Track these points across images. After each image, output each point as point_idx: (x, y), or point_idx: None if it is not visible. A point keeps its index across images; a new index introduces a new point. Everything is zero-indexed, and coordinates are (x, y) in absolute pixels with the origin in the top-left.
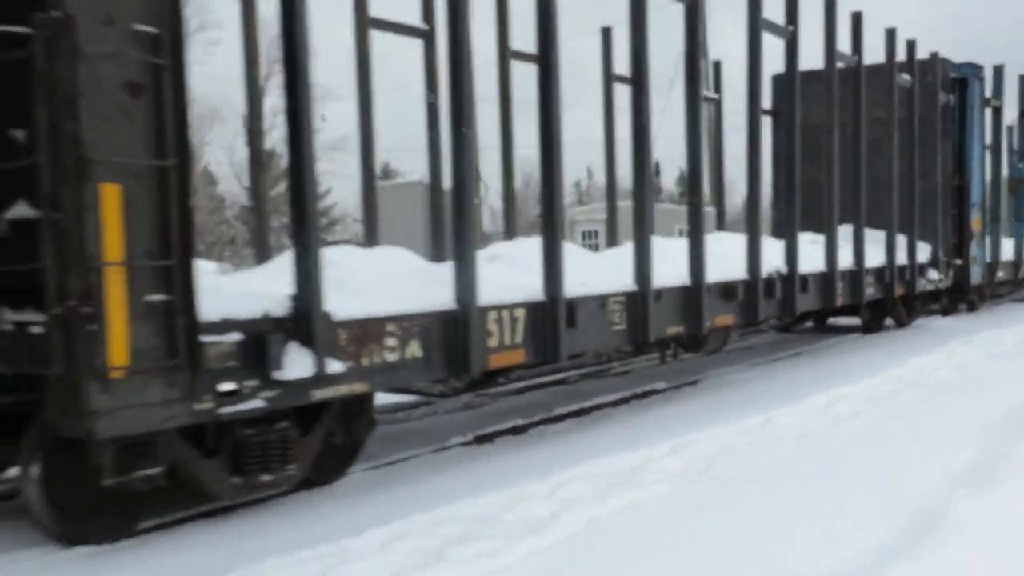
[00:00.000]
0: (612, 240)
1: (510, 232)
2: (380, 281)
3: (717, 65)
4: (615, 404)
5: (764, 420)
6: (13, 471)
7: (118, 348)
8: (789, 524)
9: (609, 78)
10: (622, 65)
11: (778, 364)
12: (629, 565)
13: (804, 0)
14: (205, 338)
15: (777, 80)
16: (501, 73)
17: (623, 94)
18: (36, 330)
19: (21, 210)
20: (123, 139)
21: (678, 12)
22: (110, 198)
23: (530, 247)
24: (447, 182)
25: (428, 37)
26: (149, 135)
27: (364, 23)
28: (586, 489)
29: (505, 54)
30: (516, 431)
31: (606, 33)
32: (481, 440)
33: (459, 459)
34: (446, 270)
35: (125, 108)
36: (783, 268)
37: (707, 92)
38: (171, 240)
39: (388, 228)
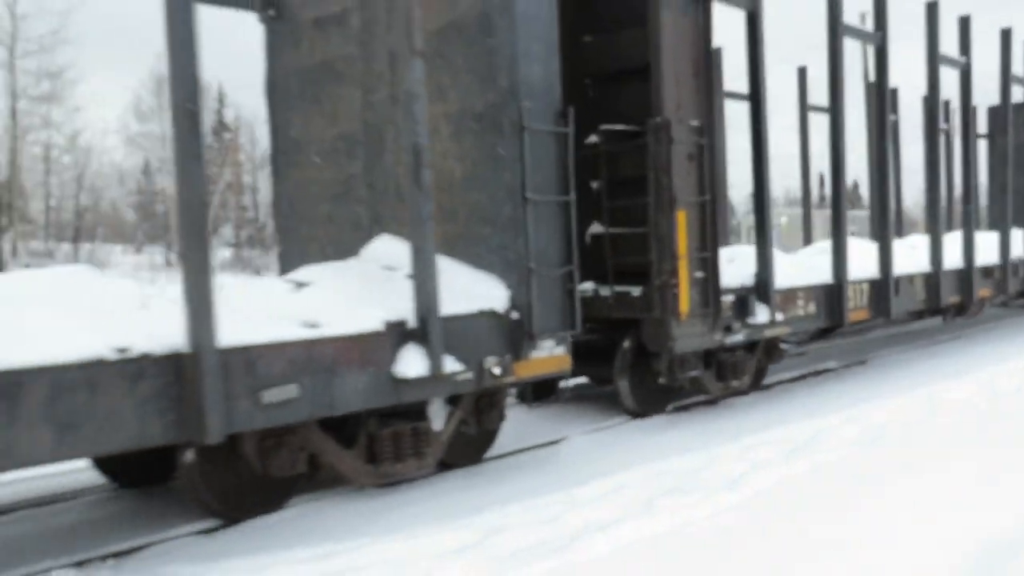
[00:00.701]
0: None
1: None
2: (780, 266)
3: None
4: (793, 380)
5: (928, 394)
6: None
7: (684, 302)
8: (960, 482)
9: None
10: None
11: (938, 346)
12: (817, 516)
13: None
14: (722, 298)
15: (994, 111)
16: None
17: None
18: (635, 294)
19: (595, 228)
20: (686, 186)
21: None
22: (682, 219)
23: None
24: None
25: None
26: (697, 183)
27: None
28: (773, 452)
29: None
30: (709, 403)
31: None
32: (679, 410)
33: (662, 425)
34: (807, 259)
35: (687, 169)
36: None
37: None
38: (707, 241)
39: None
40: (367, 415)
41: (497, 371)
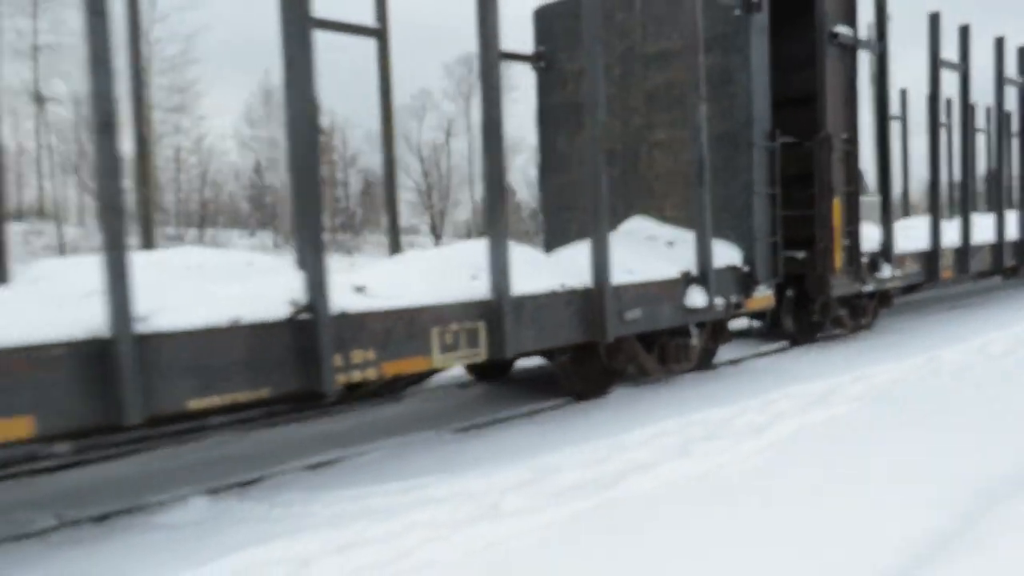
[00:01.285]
0: None
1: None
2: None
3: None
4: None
5: (928, 358)
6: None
7: (837, 261)
8: (957, 430)
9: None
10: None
11: (938, 316)
12: (832, 458)
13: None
14: (862, 259)
15: None
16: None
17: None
18: (799, 256)
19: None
20: (839, 180)
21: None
22: (836, 204)
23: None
24: None
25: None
26: (845, 178)
27: None
28: (790, 406)
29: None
30: (733, 363)
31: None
32: (706, 368)
33: (693, 382)
34: (902, 231)
35: (839, 169)
36: None
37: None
38: (852, 219)
39: None
40: (660, 332)
41: (738, 305)
